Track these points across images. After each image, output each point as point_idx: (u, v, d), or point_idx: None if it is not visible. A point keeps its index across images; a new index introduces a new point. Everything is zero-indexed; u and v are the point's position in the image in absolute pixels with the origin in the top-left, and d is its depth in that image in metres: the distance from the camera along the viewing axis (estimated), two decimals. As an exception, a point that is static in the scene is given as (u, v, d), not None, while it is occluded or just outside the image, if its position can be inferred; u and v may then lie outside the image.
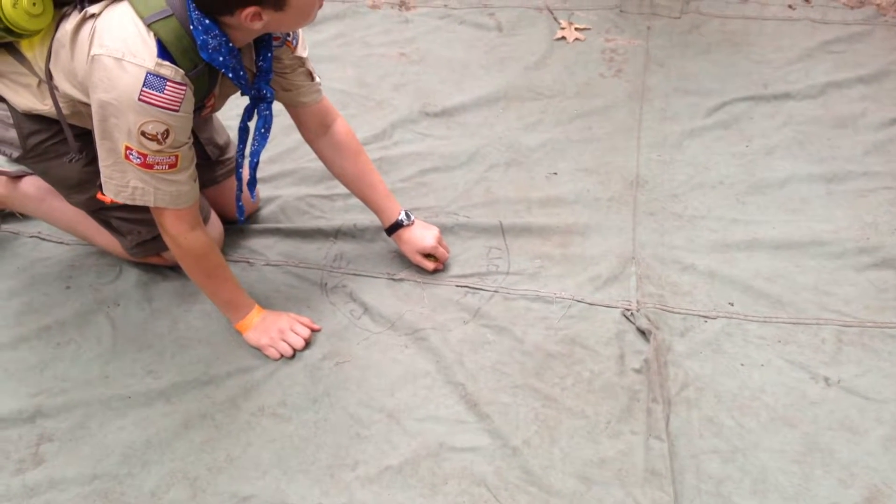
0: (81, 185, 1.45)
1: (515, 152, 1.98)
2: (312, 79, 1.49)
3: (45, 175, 1.48)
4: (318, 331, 1.56)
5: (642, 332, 1.52)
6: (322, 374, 1.48)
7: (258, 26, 1.19)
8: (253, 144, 1.46)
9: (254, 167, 1.51)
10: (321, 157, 1.62)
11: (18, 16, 1.18)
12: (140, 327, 1.58)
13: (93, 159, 1.32)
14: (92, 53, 1.15)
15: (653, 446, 1.34)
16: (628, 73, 2.23)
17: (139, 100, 1.16)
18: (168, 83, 1.17)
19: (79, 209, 1.54)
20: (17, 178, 1.63)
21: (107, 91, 1.16)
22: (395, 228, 1.64)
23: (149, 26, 1.15)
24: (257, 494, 1.30)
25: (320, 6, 1.25)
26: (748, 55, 2.26)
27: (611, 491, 1.29)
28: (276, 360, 1.50)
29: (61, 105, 1.31)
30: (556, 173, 1.91)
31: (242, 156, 1.52)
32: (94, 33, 1.17)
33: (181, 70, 1.18)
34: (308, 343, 1.53)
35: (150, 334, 1.56)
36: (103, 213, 1.53)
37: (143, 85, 1.15)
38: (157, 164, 1.24)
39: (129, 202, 1.29)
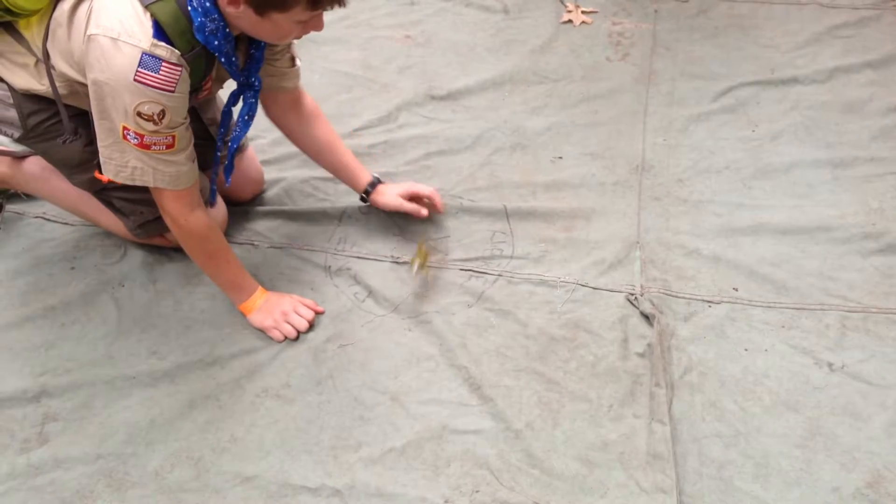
0: (83, 165, 1.45)
1: (520, 136, 1.97)
2: (294, 64, 1.51)
3: (46, 155, 1.48)
4: (321, 313, 1.56)
5: (646, 317, 1.52)
6: (326, 356, 1.49)
7: (234, 13, 1.19)
8: (235, 130, 1.47)
9: (232, 153, 1.51)
10: (288, 130, 1.63)
11: None
12: (145, 308, 1.58)
13: (92, 139, 1.32)
14: (88, 33, 1.15)
15: (655, 430, 1.34)
16: (635, 56, 2.21)
17: (134, 80, 1.16)
18: (163, 64, 1.17)
19: (82, 189, 1.54)
20: (20, 157, 1.63)
21: (102, 71, 1.16)
22: (372, 187, 1.66)
23: (146, 7, 1.15)
24: (261, 474, 1.31)
25: (297, 38, 1.27)
26: (756, 39, 2.24)
27: (613, 474, 1.29)
28: (280, 341, 1.51)
29: (58, 85, 1.31)
30: (561, 157, 1.91)
31: (222, 140, 1.53)
32: (90, 13, 1.17)
33: (177, 51, 1.18)
34: (312, 325, 1.53)
35: (155, 315, 1.57)
36: (106, 193, 1.53)
37: (139, 65, 1.15)
38: (155, 144, 1.25)
39: (128, 182, 1.30)
